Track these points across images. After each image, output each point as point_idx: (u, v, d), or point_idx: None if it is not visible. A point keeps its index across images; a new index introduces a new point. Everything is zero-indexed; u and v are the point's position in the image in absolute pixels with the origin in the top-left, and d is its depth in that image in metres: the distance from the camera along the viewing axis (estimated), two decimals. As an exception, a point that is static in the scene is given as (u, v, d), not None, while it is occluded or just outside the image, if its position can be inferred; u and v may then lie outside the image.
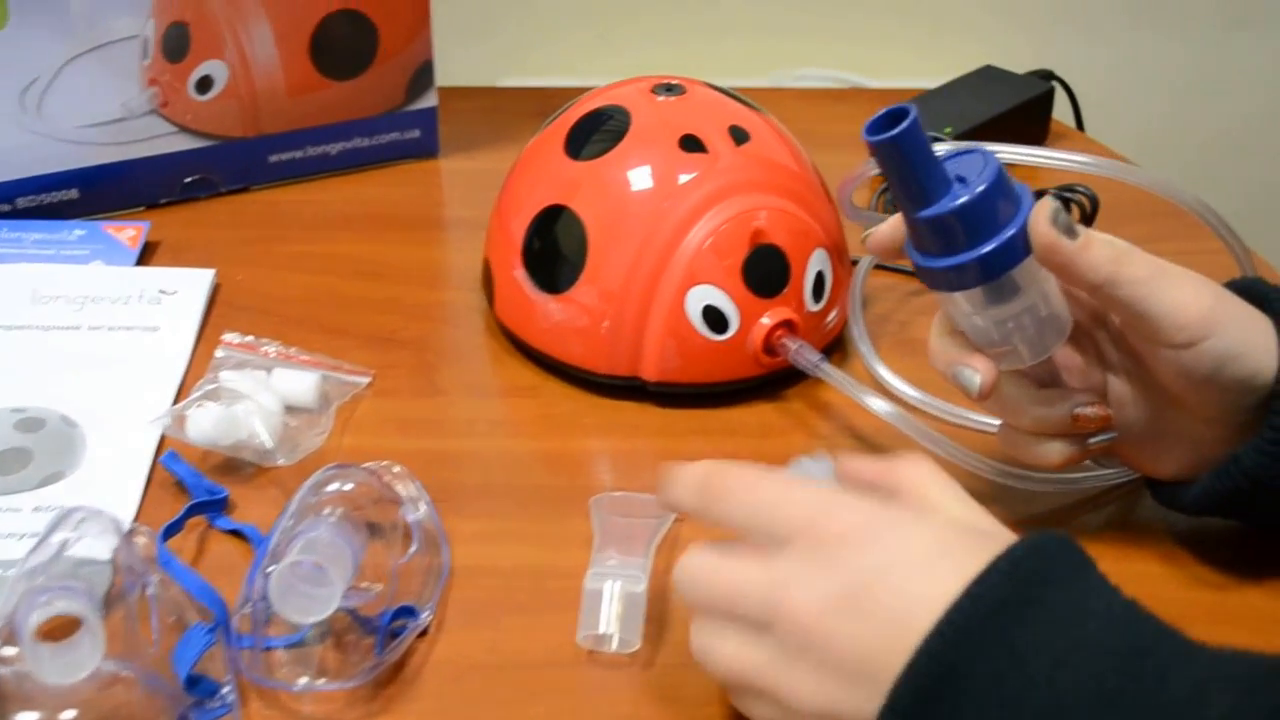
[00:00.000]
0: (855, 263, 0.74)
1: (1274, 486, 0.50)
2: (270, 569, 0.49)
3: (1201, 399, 0.50)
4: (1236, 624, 0.54)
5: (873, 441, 0.64)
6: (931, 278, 0.50)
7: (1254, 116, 1.38)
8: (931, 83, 0.95)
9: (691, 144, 0.65)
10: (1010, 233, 0.48)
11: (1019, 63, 0.98)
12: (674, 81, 0.69)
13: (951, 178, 0.48)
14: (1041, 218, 0.48)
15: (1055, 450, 0.53)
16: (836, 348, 0.71)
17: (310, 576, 0.47)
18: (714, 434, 0.65)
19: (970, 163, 0.49)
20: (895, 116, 0.47)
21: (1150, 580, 0.56)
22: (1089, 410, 0.52)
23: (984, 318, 0.51)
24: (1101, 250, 0.49)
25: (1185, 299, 0.48)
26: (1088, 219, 0.77)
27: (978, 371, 0.52)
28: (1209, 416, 0.51)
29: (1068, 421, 0.52)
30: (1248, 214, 1.37)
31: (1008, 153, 0.64)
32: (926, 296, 0.76)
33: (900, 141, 0.46)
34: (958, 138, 0.85)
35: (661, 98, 0.68)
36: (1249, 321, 0.50)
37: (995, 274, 0.49)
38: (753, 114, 0.69)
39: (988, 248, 0.48)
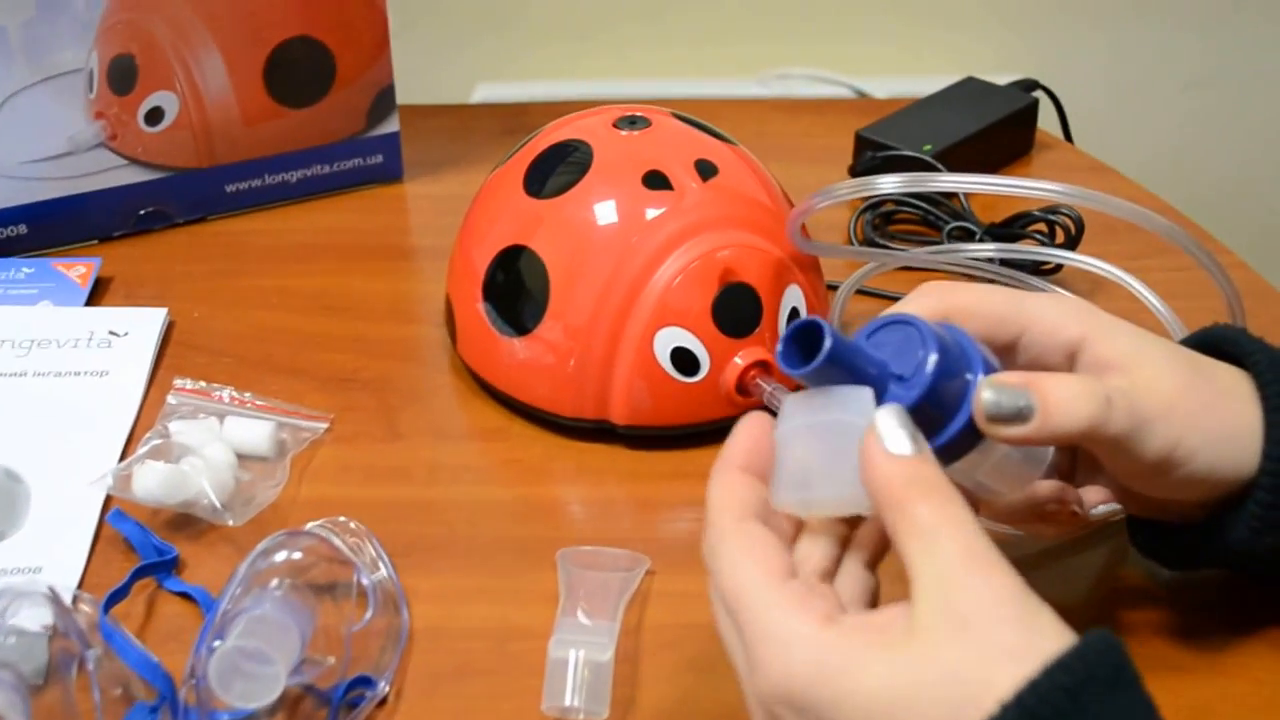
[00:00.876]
0: (833, 289, 0.71)
1: (1262, 555, 0.48)
2: (215, 643, 0.46)
3: (1179, 496, 0.48)
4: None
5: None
6: None
7: (1246, 117, 1.36)
8: (918, 82, 0.92)
9: (656, 180, 0.63)
10: (957, 426, 0.43)
11: (1008, 64, 0.96)
12: (638, 113, 0.66)
13: (886, 372, 0.43)
14: (981, 416, 0.43)
15: (1039, 530, 0.52)
16: (813, 382, 0.68)
17: (253, 660, 0.45)
18: (688, 477, 0.63)
19: (906, 341, 0.43)
20: (809, 334, 0.41)
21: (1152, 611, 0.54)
22: (1056, 507, 0.50)
23: (952, 473, 0.45)
24: (1065, 418, 0.44)
25: (1171, 438, 0.45)
26: (1073, 241, 0.75)
27: None
28: (1185, 501, 0.49)
29: (1036, 512, 0.50)
30: (1239, 218, 1.36)
31: (968, 183, 0.61)
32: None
33: (826, 367, 0.41)
34: (938, 155, 0.83)
35: (625, 131, 0.65)
36: (1239, 436, 0.47)
37: (952, 458, 0.44)
38: (721, 146, 0.66)
39: (939, 441, 0.43)
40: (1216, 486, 0.47)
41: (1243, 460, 0.46)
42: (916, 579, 0.38)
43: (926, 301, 0.47)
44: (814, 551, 0.42)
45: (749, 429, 0.44)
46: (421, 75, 1.01)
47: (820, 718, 0.37)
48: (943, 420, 0.43)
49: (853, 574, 0.42)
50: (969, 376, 0.43)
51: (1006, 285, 0.49)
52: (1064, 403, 0.43)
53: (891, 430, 0.40)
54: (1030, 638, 0.36)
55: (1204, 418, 0.46)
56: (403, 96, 0.86)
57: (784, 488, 0.42)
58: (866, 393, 0.42)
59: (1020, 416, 0.43)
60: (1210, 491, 0.47)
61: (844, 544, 0.43)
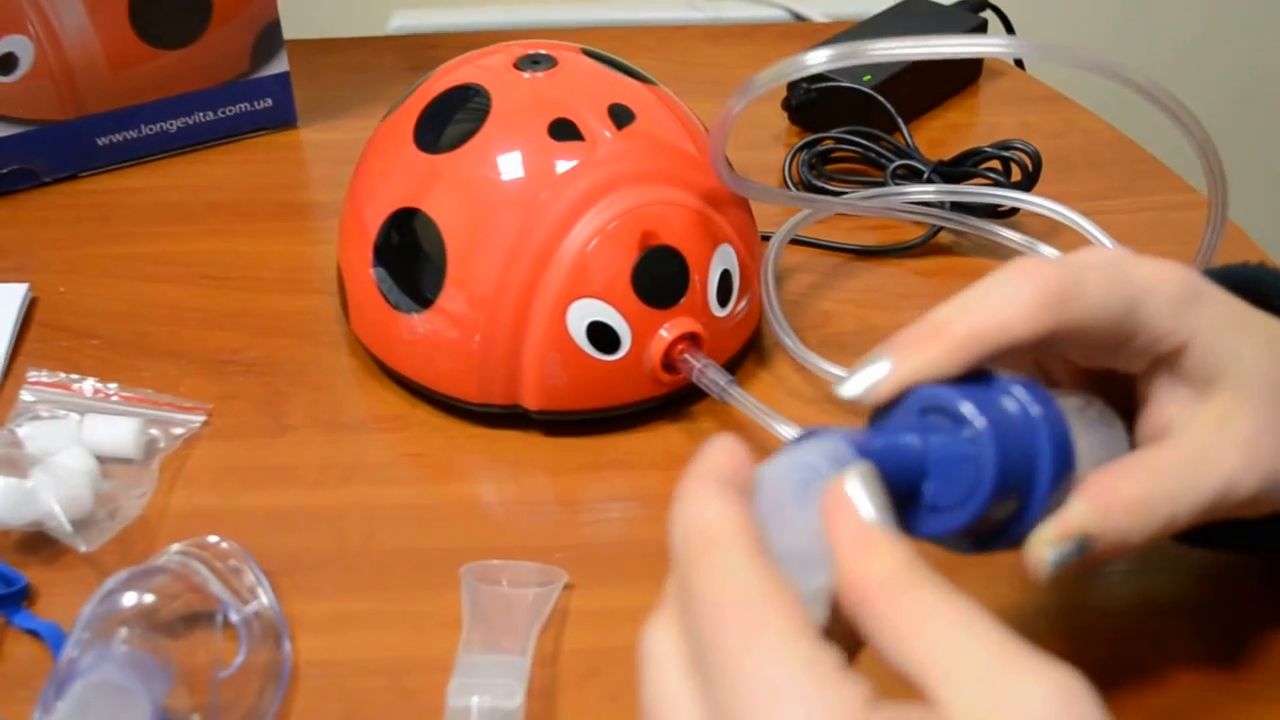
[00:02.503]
0: (766, 239, 0.65)
1: None
2: (56, 705, 0.40)
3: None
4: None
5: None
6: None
7: (1199, 45, 1.31)
8: (859, 2, 0.84)
9: (563, 130, 0.55)
10: (1018, 530, 0.37)
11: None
12: (543, 51, 0.58)
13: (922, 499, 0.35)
14: (1036, 573, 0.37)
15: None
16: (755, 346, 0.62)
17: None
18: (611, 467, 0.56)
19: (955, 447, 0.35)
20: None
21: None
22: None
23: None
24: (1126, 531, 0.37)
25: (1239, 495, 0.39)
26: (1030, 179, 0.68)
27: None
28: None
29: None
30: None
31: (908, 49, 0.51)
32: (850, 271, 0.67)
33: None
34: (879, 85, 0.76)
35: (527, 73, 0.57)
36: None
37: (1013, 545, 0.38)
38: (639, 86, 0.59)
39: (993, 546, 0.37)
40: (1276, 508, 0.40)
41: None
42: (942, 681, 0.29)
43: (1024, 312, 0.36)
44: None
45: (722, 447, 0.33)
46: (329, 3, 0.93)
47: None
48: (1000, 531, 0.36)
49: None
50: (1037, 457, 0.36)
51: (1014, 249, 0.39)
52: (1121, 535, 0.37)
53: (863, 499, 0.32)
54: None
55: (1269, 467, 0.39)
56: (310, 29, 0.78)
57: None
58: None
59: (1083, 548, 0.37)
60: (1267, 512, 0.41)
61: None
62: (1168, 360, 0.39)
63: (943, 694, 0.29)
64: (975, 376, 0.36)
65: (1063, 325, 0.37)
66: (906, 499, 0.35)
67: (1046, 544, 0.36)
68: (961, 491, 0.35)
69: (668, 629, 0.32)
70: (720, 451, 0.33)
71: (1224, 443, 0.38)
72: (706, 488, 0.32)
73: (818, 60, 0.49)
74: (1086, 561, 0.37)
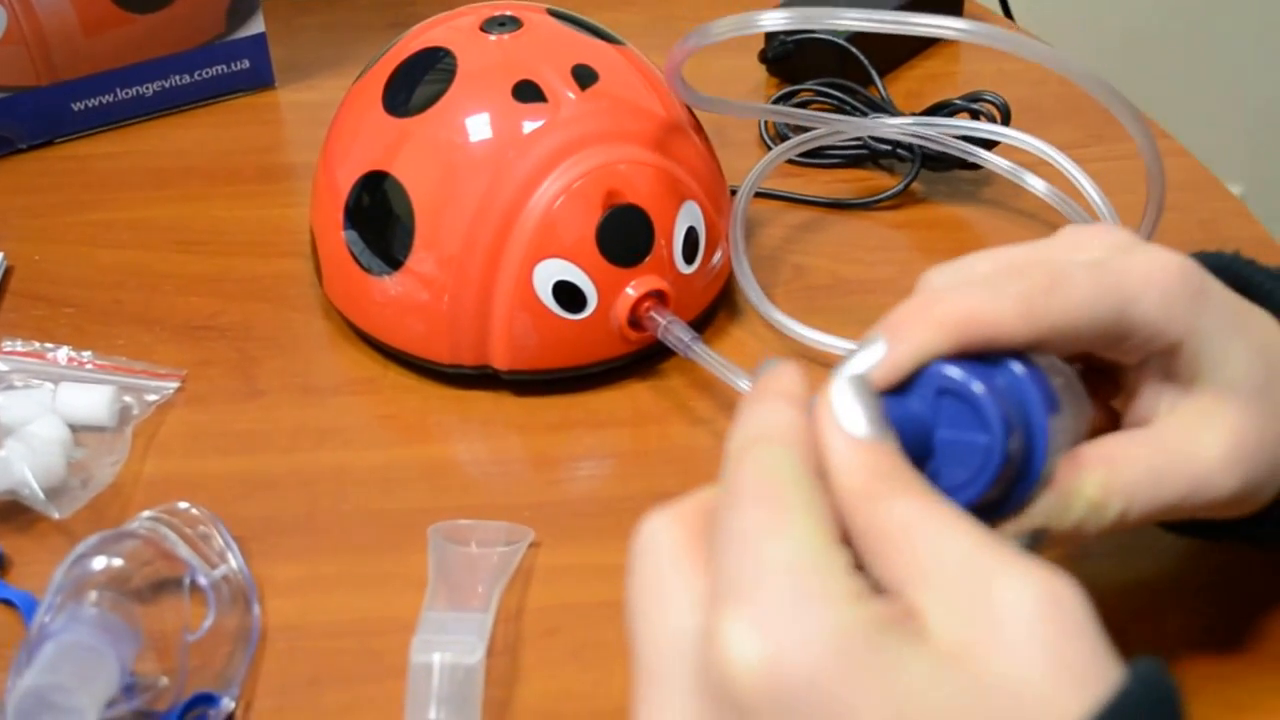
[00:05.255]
0: (733, 193, 0.64)
1: None
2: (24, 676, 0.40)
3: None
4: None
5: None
6: None
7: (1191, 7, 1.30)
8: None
9: (527, 92, 0.55)
10: (992, 517, 0.36)
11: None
12: (508, 13, 0.58)
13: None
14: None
15: None
16: (724, 303, 0.62)
17: (57, 701, 0.39)
18: (580, 426, 0.56)
19: (962, 423, 0.35)
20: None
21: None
22: None
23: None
24: (1081, 524, 0.37)
25: (1210, 497, 0.38)
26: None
27: None
28: None
29: None
30: (1192, 104, 1.30)
31: (866, 21, 0.51)
32: (823, 224, 0.67)
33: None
34: (855, 37, 0.75)
35: (493, 35, 0.57)
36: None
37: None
38: (604, 47, 0.59)
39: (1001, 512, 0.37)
40: (1252, 508, 0.40)
41: None
42: (920, 586, 0.29)
43: (1011, 307, 0.35)
44: None
45: (785, 371, 0.34)
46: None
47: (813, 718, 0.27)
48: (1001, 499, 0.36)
49: None
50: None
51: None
52: (1076, 527, 0.37)
53: (850, 409, 0.32)
54: (1087, 651, 0.28)
55: (1252, 470, 0.38)
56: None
57: None
58: None
59: (1033, 545, 0.37)
60: (1242, 512, 0.40)
61: None
62: (1160, 355, 0.38)
63: (920, 600, 0.29)
64: (984, 357, 0.36)
65: (1047, 332, 0.36)
66: None
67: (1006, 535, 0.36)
68: (964, 476, 0.35)
69: (670, 523, 0.32)
70: (783, 374, 0.33)
71: (1204, 441, 0.38)
72: (769, 397, 0.33)
73: (773, 20, 0.51)
74: (1035, 549, 0.37)
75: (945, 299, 0.36)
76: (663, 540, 0.32)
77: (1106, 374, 0.40)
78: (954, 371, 0.35)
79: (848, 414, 0.32)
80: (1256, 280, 0.41)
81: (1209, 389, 0.38)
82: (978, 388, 0.34)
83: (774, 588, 0.28)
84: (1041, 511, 0.36)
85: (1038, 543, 0.37)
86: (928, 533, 0.30)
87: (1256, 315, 0.40)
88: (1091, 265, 0.37)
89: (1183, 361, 0.38)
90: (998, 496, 0.36)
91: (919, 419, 0.35)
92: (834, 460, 0.31)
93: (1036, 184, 0.65)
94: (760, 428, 0.32)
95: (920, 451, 0.34)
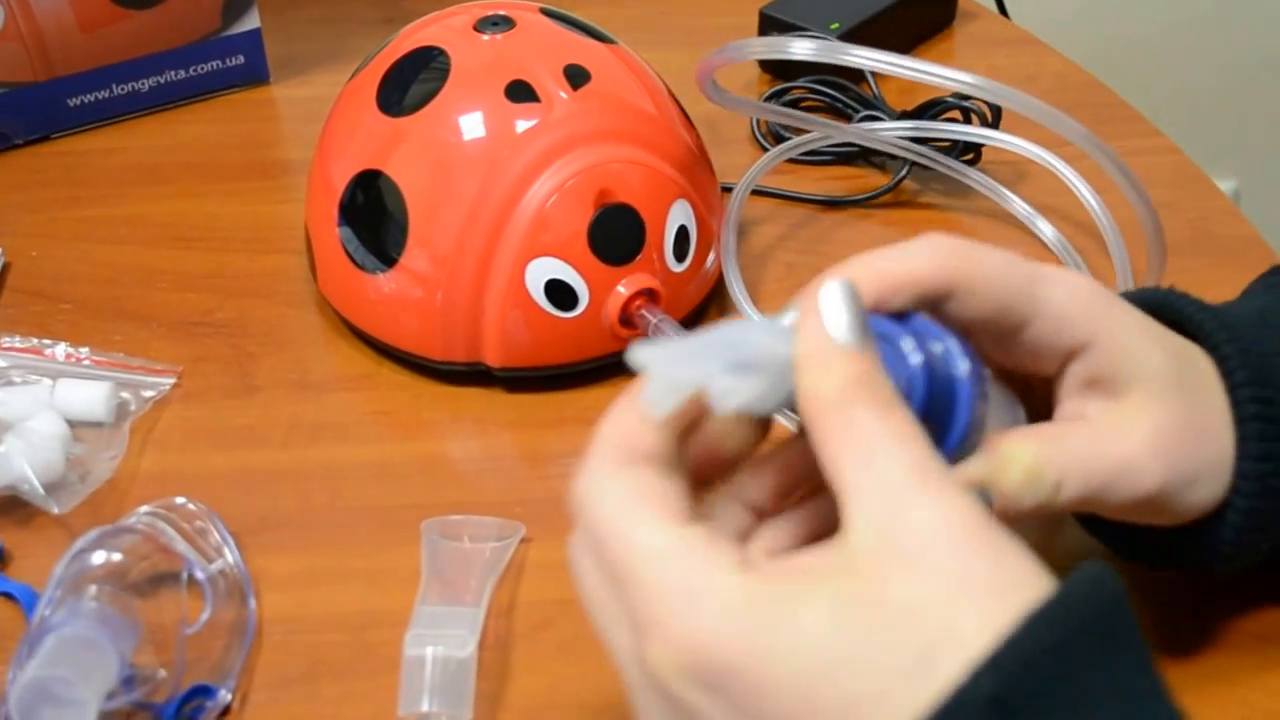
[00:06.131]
0: (728, 190, 0.65)
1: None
2: (28, 664, 0.41)
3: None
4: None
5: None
6: None
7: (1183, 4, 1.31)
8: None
9: (520, 92, 0.56)
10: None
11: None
12: (502, 13, 0.59)
13: None
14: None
15: None
16: (715, 301, 0.63)
17: (57, 692, 0.40)
18: (571, 422, 0.57)
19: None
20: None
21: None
22: None
23: None
24: (1016, 492, 0.38)
25: (1141, 487, 0.39)
26: (990, 127, 0.68)
27: None
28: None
29: None
30: (1183, 95, 1.30)
31: (879, 62, 0.54)
32: (815, 223, 0.68)
33: None
34: (848, 33, 0.76)
35: (487, 35, 0.58)
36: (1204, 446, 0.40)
37: None
38: (596, 46, 0.59)
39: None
40: (1178, 517, 0.41)
41: (1208, 495, 0.40)
42: (852, 499, 0.30)
43: (925, 262, 0.37)
44: (726, 508, 0.35)
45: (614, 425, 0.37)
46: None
47: (740, 690, 0.29)
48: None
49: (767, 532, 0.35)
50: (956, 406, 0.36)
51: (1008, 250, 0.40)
52: (1011, 495, 0.37)
53: (836, 311, 0.33)
54: (999, 570, 0.29)
55: (1175, 464, 0.39)
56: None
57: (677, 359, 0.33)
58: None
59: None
60: (1171, 520, 0.41)
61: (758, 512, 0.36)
62: (1078, 361, 0.39)
63: (850, 513, 0.31)
64: (913, 322, 0.37)
65: (960, 276, 0.37)
66: None
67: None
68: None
69: (584, 550, 0.34)
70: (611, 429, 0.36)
71: (1127, 429, 0.39)
72: (615, 411, 0.36)
73: (802, 49, 0.54)
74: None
75: (858, 259, 0.37)
76: (589, 567, 0.34)
77: (1036, 395, 0.41)
78: (884, 321, 0.36)
79: (834, 319, 0.33)
80: (1188, 312, 0.42)
81: (1130, 391, 0.39)
82: (905, 339, 0.36)
83: (659, 599, 0.31)
84: (980, 469, 0.37)
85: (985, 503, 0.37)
86: (876, 447, 0.31)
87: (1163, 329, 0.41)
88: (1011, 254, 0.39)
89: (1102, 366, 0.39)
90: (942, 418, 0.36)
91: None
92: (812, 363, 0.32)
93: (1017, 203, 0.66)
94: (601, 453, 0.35)
95: None
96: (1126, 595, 0.29)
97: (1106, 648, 0.28)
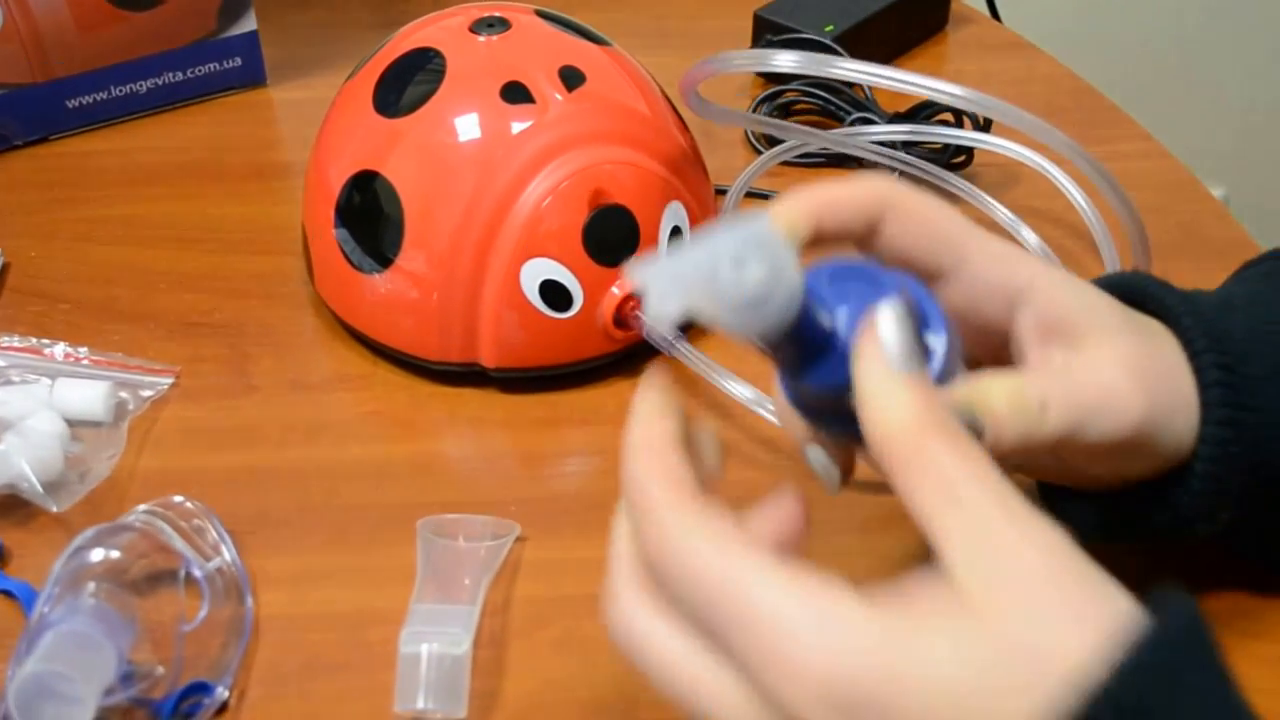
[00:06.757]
0: (722, 193, 0.66)
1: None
2: (24, 665, 0.42)
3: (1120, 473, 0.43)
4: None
5: (743, 422, 0.57)
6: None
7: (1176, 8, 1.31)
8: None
9: (515, 93, 0.56)
10: None
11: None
12: (497, 14, 0.59)
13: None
14: None
15: None
16: (707, 300, 0.63)
17: (56, 688, 0.40)
18: (566, 422, 0.58)
19: (863, 297, 0.36)
20: None
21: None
22: None
23: None
24: (1002, 421, 0.38)
25: (1118, 424, 0.40)
26: (981, 130, 0.69)
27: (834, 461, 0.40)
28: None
29: None
30: (1177, 97, 1.31)
31: (867, 73, 0.55)
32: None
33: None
34: (841, 36, 0.76)
35: (482, 36, 0.58)
36: (1172, 386, 0.41)
37: None
38: (591, 48, 0.60)
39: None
40: (1155, 461, 0.42)
41: (1184, 434, 0.41)
42: (948, 541, 0.31)
43: (864, 190, 0.39)
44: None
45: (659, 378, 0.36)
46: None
47: (878, 717, 0.30)
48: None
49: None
50: (929, 341, 0.36)
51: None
52: (996, 424, 0.38)
53: (893, 337, 0.33)
54: (1095, 599, 0.30)
55: (1153, 394, 0.40)
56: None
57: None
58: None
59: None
60: (1147, 467, 0.42)
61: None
62: (1025, 308, 0.40)
63: (947, 553, 0.31)
64: (890, 273, 0.37)
65: (894, 200, 0.39)
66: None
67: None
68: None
69: (652, 611, 0.33)
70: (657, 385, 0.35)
71: (1102, 364, 0.40)
72: (642, 447, 0.34)
73: (787, 60, 0.55)
74: None
75: (804, 189, 0.38)
76: (655, 627, 0.33)
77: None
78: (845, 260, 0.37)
79: (894, 346, 0.33)
80: (1151, 289, 0.44)
81: (1088, 334, 0.40)
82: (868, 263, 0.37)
83: (789, 635, 0.30)
84: (965, 394, 0.38)
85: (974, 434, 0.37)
86: (961, 487, 0.31)
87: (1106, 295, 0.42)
88: None
89: (1047, 309, 0.40)
90: None
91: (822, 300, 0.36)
92: (879, 397, 0.33)
93: (1001, 210, 0.67)
94: (666, 499, 0.33)
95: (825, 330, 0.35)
96: (1207, 616, 0.31)
97: (1204, 667, 0.30)
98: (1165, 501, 0.43)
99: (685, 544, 0.32)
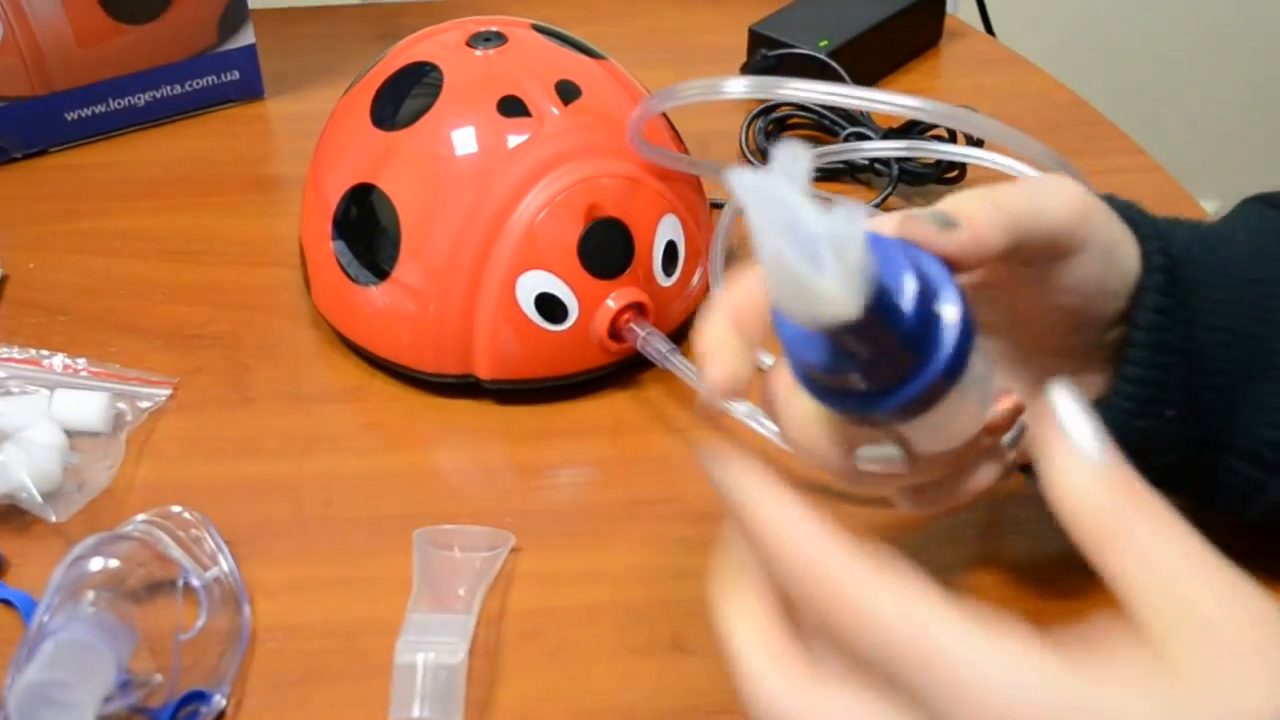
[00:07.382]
0: (718, 207, 0.66)
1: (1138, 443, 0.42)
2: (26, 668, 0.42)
3: (1070, 325, 0.44)
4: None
5: (738, 436, 0.57)
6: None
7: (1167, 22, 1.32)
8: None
9: (512, 107, 0.57)
10: (936, 368, 0.34)
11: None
12: (494, 29, 0.60)
13: None
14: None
15: (983, 473, 0.43)
16: (701, 313, 0.63)
17: (56, 696, 0.40)
18: (562, 435, 0.58)
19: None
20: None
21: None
22: (996, 407, 0.43)
23: (908, 429, 0.38)
24: (990, 230, 0.39)
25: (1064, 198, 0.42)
26: (976, 146, 0.70)
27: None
28: (1074, 352, 0.45)
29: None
30: (1168, 110, 1.31)
31: (820, 93, 0.54)
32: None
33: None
34: (836, 50, 0.77)
35: (479, 50, 0.59)
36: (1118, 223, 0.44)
37: (919, 411, 0.36)
38: (587, 62, 0.60)
39: (913, 389, 0.34)
40: (1109, 300, 0.44)
41: (1129, 270, 0.44)
42: (1144, 601, 0.31)
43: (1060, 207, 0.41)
44: None
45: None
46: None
47: None
48: (912, 363, 0.34)
49: None
50: (938, 309, 0.34)
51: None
52: (986, 224, 0.39)
53: (1079, 425, 0.32)
54: None
55: (1104, 216, 0.43)
56: (273, -2, 0.79)
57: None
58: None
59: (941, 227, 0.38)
60: (1108, 308, 0.44)
61: None
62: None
63: (1144, 611, 0.30)
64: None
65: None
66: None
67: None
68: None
69: (811, 682, 0.32)
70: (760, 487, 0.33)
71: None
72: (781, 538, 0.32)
73: (737, 87, 0.55)
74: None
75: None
76: (823, 699, 0.32)
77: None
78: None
79: (1081, 438, 0.32)
80: (1118, 204, 0.45)
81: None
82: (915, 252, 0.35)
83: (985, 692, 0.29)
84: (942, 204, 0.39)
85: (945, 224, 0.37)
86: (1155, 553, 0.31)
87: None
88: None
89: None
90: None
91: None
92: (1072, 489, 0.32)
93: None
94: (830, 565, 0.31)
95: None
96: None
97: None
98: (1119, 392, 0.44)
99: (867, 603, 0.31)
